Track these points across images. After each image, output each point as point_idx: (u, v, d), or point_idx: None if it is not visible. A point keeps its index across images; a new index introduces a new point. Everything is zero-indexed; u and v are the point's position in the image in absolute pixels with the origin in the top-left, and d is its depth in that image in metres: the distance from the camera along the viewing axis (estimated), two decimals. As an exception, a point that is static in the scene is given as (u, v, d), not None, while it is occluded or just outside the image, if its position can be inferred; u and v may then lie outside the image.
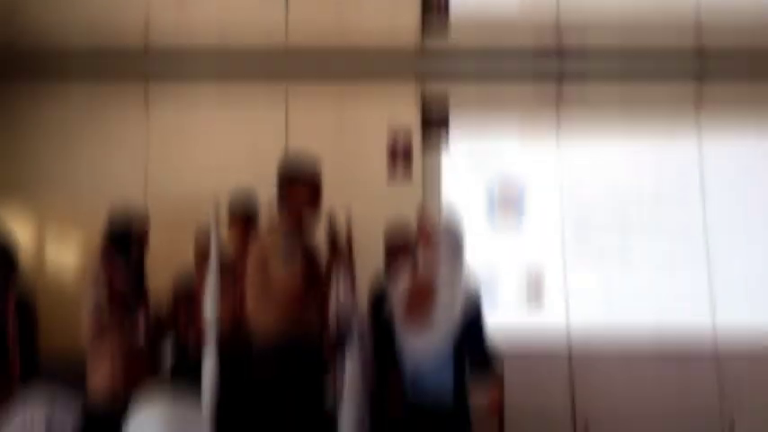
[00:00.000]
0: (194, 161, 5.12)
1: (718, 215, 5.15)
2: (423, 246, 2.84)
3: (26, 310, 3.29)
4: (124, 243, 3.15)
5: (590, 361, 4.90)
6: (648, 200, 5.20)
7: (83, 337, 2.97)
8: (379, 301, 3.36)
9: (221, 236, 3.32)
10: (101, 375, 2.89)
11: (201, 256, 3.53)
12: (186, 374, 3.30)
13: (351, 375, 3.25)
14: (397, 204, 4.94)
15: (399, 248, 3.39)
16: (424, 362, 2.70)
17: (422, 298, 2.78)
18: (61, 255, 4.63)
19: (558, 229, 5.18)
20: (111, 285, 3.01)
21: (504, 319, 4.93)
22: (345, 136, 5.23)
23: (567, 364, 4.92)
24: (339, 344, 3.33)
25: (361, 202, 4.93)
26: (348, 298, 3.59)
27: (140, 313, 3.14)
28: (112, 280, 3.01)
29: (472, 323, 2.76)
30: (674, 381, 4.83)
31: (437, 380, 2.69)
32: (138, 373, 3.02)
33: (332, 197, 4.93)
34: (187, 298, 3.64)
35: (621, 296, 5.04)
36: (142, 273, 3.25)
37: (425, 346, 2.71)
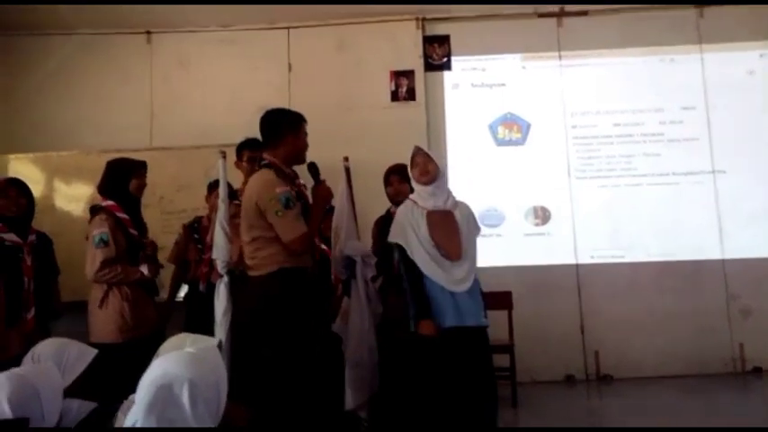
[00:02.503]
0: (198, 101, 5.16)
1: (721, 126, 5.12)
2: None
3: (46, 242, 3.40)
4: (123, 186, 3.18)
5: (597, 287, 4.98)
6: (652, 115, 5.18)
7: (88, 273, 3.05)
8: (382, 222, 3.42)
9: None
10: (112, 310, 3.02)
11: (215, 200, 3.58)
12: (198, 304, 3.45)
13: (356, 300, 3.35)
14: (401, 124, 5.00)
15: (397, 171, 3.40)
16: (464, 287, 2.78)
17: (445, 228, 2.84)
18: (68, 202, 4.70)
19: (563, 150, 5.18)
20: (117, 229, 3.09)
21: (511, 244, 5.00)
22: (348, 57, 5.22)
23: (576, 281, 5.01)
24: (346, 272, 3.42)
25: (365, 123, 5.01)
26: (351, 232, 3.65)
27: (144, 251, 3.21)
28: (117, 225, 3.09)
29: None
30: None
31: (476, 302, 2.80)
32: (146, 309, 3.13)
33: (337, 119, 5.08)
34: (197, 238, 3.79)
35: (628, 216, 5.06)
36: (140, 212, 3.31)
37: (463, 273, 2.80)
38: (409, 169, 2.97)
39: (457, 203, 2.94)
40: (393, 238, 2.91)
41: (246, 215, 2.78)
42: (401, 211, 2.98)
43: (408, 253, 2.83)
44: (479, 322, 2.78)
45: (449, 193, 2.95)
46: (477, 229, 2.96)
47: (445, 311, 2.76)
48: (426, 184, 2.91)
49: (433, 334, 2.71)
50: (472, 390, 2.72)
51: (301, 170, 2.94)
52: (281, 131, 2.81)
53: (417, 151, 2.94)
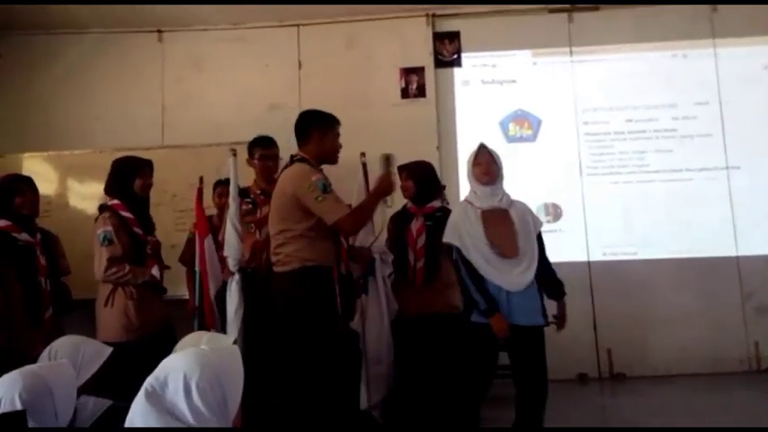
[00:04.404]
0: (209, 99, 5.18)
1: (735, 121, 5.06)
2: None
3: (51, 240, 3.37)
4: (127, 186, 3.18)
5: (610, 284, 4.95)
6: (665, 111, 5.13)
7: (97, 273, 3.07)
8: (398, 218, 3.46)
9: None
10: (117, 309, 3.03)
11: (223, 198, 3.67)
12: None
13: (374, 297, 3.35)
14: (411, 121, 5.00)
15: (404, 168, 3.41)
16: (522, 284, 2.78)
17: (500, 227, 2.83)
18: (82, 200, 4.72)
19: (575, 146, 5.15)
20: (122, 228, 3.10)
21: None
22: (358, 54, 5.23)
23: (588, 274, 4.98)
24: (364, 270, 3.42)
25: (375, 120, 5.01)
26: (368, 229, 3.64)
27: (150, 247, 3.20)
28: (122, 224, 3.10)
29: (540, 244, 2.90)
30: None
31: (530, 301, 2.80)
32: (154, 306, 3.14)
33: (347, 116, 5.03)
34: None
35: (641, 213, 5.02)
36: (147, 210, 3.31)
37: (521, 270, 2.80)
38: (470, 167, 2.94)
39: (512, 202, 2.93)
40: (447, 238, 2.91)
41: (279, 208, 2.80)
42: (455, 212, 2.99)
43: (465, 253, 2.83)
44: (532, 322, 2.77)
45: (504, 193, 2.93)
46: (539, 224, 2.94)
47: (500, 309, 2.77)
48: (487, 184, 2.90)
49: (506, 328, 2.73)
50: (524, 385, 2.78)
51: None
52: (308, 130, 2.88)
53: (481, 149, 2.93)
